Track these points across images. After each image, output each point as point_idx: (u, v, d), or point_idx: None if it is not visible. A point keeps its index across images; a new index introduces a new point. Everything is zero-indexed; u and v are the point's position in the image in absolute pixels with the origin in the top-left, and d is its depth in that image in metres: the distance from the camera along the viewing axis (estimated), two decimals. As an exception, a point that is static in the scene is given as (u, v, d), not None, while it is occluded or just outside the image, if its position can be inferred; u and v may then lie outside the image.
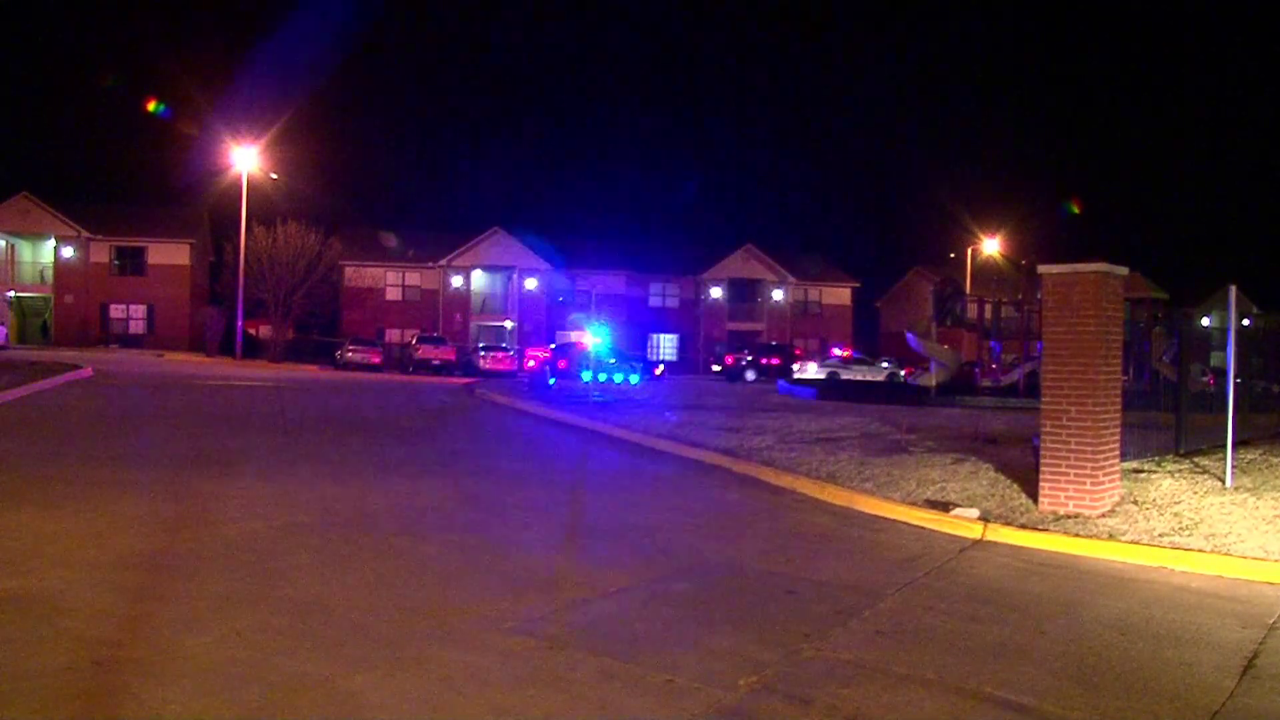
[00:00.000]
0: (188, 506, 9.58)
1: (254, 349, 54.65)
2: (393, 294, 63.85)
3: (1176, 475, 11.93)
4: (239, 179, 51.68)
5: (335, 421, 19.41)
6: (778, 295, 69.88)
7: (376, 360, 50.70)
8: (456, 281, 63.63)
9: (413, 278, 63.98)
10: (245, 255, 52.60)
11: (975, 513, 10.29)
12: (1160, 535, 9.44)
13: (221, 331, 56.08)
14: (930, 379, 32.25)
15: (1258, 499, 10.76)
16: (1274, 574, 8.46)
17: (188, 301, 60.73)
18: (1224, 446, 11.78)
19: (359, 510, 9.91)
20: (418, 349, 51.15)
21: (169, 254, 60.63)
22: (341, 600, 6.69)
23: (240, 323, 52.15)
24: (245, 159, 52.18)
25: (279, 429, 17.20)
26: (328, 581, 7.18)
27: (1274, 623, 7.19)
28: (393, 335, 59.52)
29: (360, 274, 62.82)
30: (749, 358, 49.82)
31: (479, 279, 64.69)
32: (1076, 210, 60.88)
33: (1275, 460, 13.25)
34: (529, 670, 5.52)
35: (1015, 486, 11.41)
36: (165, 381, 28.51)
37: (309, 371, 45.20)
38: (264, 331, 57.31)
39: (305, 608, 6.45)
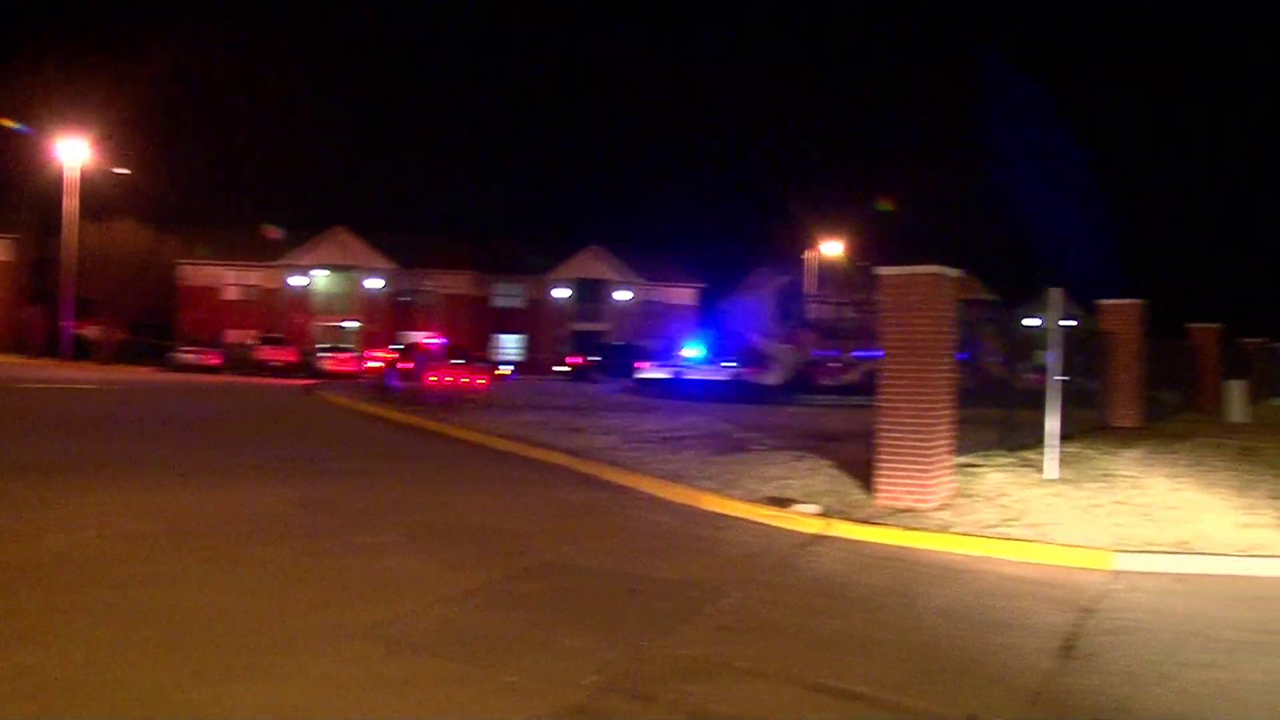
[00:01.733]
0: (9, 518, 9.11)
1: (84, 350, 52.28)
2: (232, 294, 62.07)
3: (1004, 469, 12.45)
4: (67, 173, 49.47)
5: (170, 425, 18.77)
6: (623, 295, 70.28)
7: (215, 362, 49.18)
8: (298, 281, 62.20)
9: (253, 277, 62.32)
10: (74, 252, 50.37)
11: (815, 508, 10.54)
12: (989, 526, 9.85)
13: (47, 331, 53.56)
14: (772, 378, 32.88)
15: (1077, 490, 11.33)
16: (1090, 560, 8.94)
17: (9, 300, 57.87)
18: (1047, 440, 12.35)
19: (196, 517, 9.60)
20: (258, 350, 49.80)
21: (-10, 249, 57.70)
22: (180, 610, 6.48)
23: (68, 322, 49.92)
24: (73, 152, 49.97)
25: (108, 434, 16.54)
26: (165, 591, 6.94)
27: (1089, 606, 7.59)
28: (232, 336, 57.71)
29: (198, 273, 60.87)
30: (595, 358, 49.91)
31: (321, 279, 63.35)
32: (889, 208, 62.91)
33: (1092, 453, 13.96)
34: (374, 675, 5.45)
35: (854, 482, 11.73)
36: (-16, 385, 27.11)
37: (143, 374, 43.52)
38: (94, 332, 54.93)
39: (142, 619, 6.23)
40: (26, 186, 58.48)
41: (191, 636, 5.96)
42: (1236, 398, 22.26)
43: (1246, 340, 32.32)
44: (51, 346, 51.79)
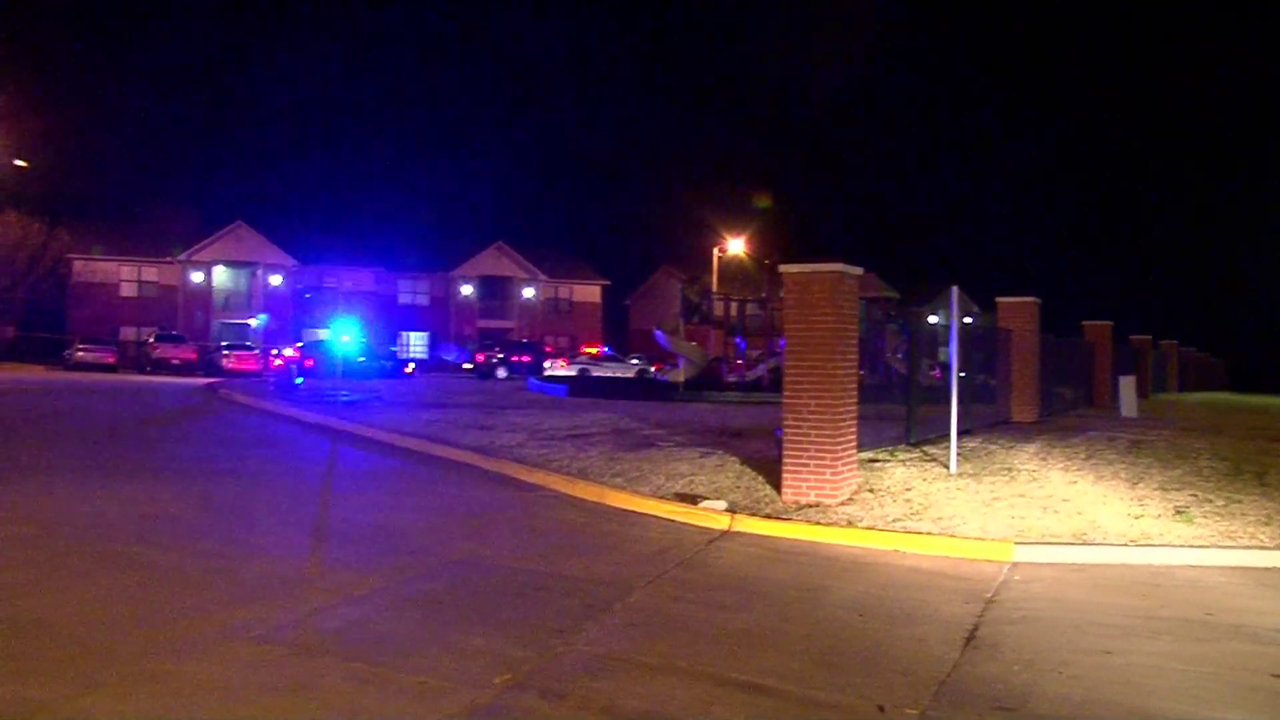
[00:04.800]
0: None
1: (-31, 349, 50.58)
2: (128, 290, 60.32)
3: (908, 463, 12.65)
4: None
5: (63, 425, 18.22)
6: (529, 293, 69.99)
7: (111, 360, 47.79)
8: (197, 277, 60.77)
9: (150, 273, 60.66)
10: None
11: (723, 504, 10.61)
12: (894, 520, 10.00)
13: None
14: (679, 375, 33.06)
15: (978, 483, 11.56)
16: (991, 552, 9.13)
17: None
18: (949, 436, 12.59)
19: (89, 520, 9.32)
20: (156, 348, 48.44)
21: None
22: (68, 616, 6.29)
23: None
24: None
25: (-3, 435, 16.00)
26: (52, 597, 6.73)
27: (991, 597, 7.75)
28: (128, 333, 56.22)
29: (91, 268, 59.01)
30: (500, 355, 49.64)
31: (221, 275, 61.96)
32: (767, 204, 63.71)
33: (993, 448, 14.25)
34: (276, 679, 5.35)
35: (760, 478, 11.82)
36: None
37: (35, 372, 42.21)
38: (-19, 330, 53.13)
39: (25, 627, 6.03)
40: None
41: (77, 644, 5.77)
42: (1127, 393, 22.93)
43: (1135, 337, 33.39)
44: (-66, 345, 49.98)
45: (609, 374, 42.64)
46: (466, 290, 68.49)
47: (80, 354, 47.29)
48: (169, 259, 59.73)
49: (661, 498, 11.12)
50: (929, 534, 9.56)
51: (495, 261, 68.89)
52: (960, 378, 13.06)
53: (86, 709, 4.86)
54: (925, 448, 13.78)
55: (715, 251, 49.41)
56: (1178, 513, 10.32)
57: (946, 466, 12.34)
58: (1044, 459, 13.36)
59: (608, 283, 74.27)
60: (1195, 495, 11.11)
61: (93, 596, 6.81)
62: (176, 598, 6.87)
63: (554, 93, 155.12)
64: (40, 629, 6.02)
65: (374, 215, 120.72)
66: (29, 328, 54.37)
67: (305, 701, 5.07)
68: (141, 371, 46.90)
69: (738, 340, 36.87)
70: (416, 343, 67.37)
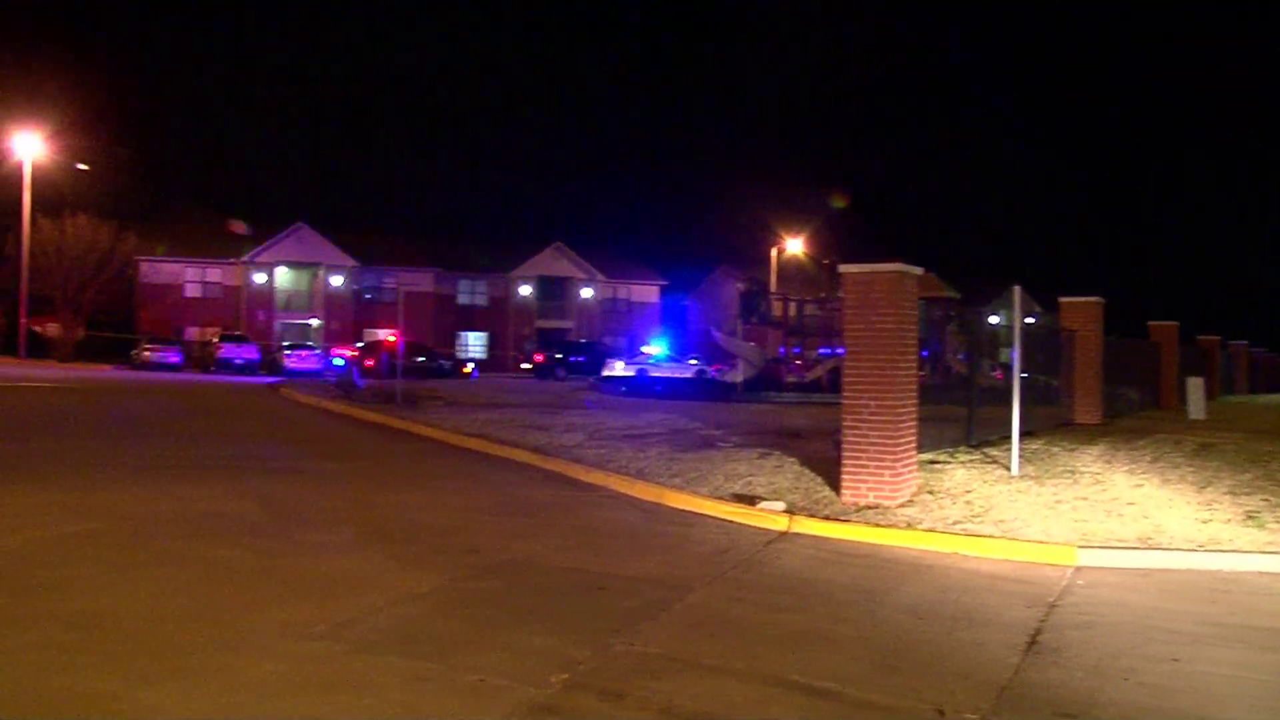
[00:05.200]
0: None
1: (41, 348, 51.47)
2: (193, 290, 61.27)
3: (968, 465, 12.51)
4: (21, 167, 48.80)
5: (128, 423, 18.54)
6: (587, 293, 70.14)
7: (176, 359, 48.54)
8: (260, 278, 61.60)
9: (214, 274, 61.59)
10: (30, 249, 49.69)
11: (781, 505, 10.55)
12: (954, 523, 9.89)
13: (3, 329, 52.73)
14: (737, 375, 32.96)
15: (1040, 486, 11.40)
16: (1054, 556, 8.98)
17: (-36, 298, 56.85)
18: (1011, 437, 12.42)
19: (152, 516, 9.47)
20: (219, 348, 49.14)
21: (-60, 246, 56.57)
22: (131, 611, 6.39)
23: (24, 320, 49.22)
24: (27, 146, 49.33)
25: (65, 433, 16.31)
26: (116, 592, 6.84)
27: (1054, 601, 7.63)
28: (193, 333, 57.02)
29: (157, 270, 60.04)
30: (558, 355, 49.80)
31: (283, 276, 62.78)
32: (842, 204, 63.47)
33: (1055, 450, 14.06)
34: (334, 675, 5.39)
35: (819, 479, 11.75)
36: (-62, 384, 26.68)
37: (103, 371, 42.99)
38: (52, 330, 54.11)
39: (90, 621, 6.13)
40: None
41: (143, 638, 5.85)
42: (1195, 394, 22.51)
43: (1203, 338, 32.77)
44: (10, 344, 51.00)
45: (667, 374, 42.59)
46: (525, 290, 68.80)
47: (146, 353, 48.08)
48: (233, 260, 60.61)
49: (720, 498, 11.08)
50: (990, 537, 9.44)
51: (553, 262, 69.13)
52: (1022, 378, 12.89)
53: (148, 702, 4.92)
54: (986, 449, 13.62)
55: (773, 251, 49.28)
56: (1249, 517, 10.09)
57: (1008, 468, 12.19)
58: (1108, 461, 13.15)
59: (665, 283, 74.27)
60: (1267, 500, 10.87)
61: (154, 591, 6.91)
62: (236, 594, 6.95)
63: (614, 93, 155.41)
64: (103, 623, 6.12)
65: (434, 217, 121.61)
66: (98, 328, 55.42)
67: (363, 699, 5.10)
68: (205, 371, 47.60)
69: (796, 341, 36.67)
70: (475, 343, 67.79)
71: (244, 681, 5.24)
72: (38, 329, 51.85)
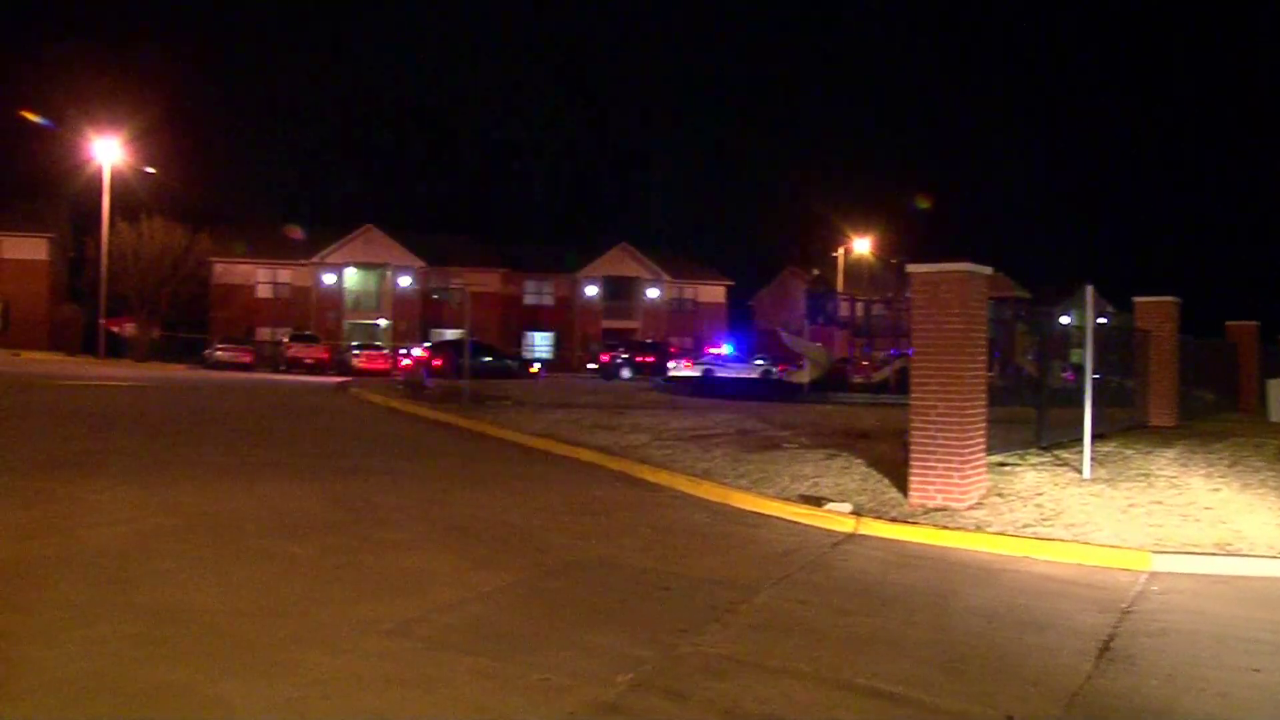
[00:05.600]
0: (42, 512, 9.19)
1: (118, 348, 52.68)
2: (263, 291, 62.37)
3: (1039, 468, 12.33)
4: (101, 172, 50.03)
5: (202, 422, 18.87)
6: (653, 293, 70.23)
7: (247, 359, 49.38)
8: (329, 279, 62.51)
9: (284, 275, 62.61)
10: (108, 251, 50.88)
11: (848, 507, 10.48)
12: (1024, 526, 9.75)
13: (83, 329, 54.00)
14: (803, 376, 32.81)
15: (1113, 489, 11.20)
16: (1127, 561, 8.82)
17: (46, 298, 58.21)
18: (1082, 439, 12.23)
19: (228, 513, 9.63)
20: (290, 347, 49.93)
21: (26, 249, 57.76)
22: (206, 605, 6.50)
23: (103, 320, 50.38)
24: (107, 151, 50.52)
25: (142, 430, 16.63)
26: (192, 586, 6.97)
27: (1127, 607, 7.49)
28: (264, 333, 58.03)
29: (230, 271, 61.21)
30: (624, 355, 49.81)
31: (352, 276, 63.64)
32: (926, 205, 62.86)
33: (1129, 452, 13.80)
34: (403, 672, 5.44)
35: (886, 481, 11.65)
36: (20, 381, 27.32)
37: (176, 371, 43.82)
38: (129, 330, 55.35)
39: (168, 614, 6.25)
40: (60, 187, 59.10)
41: (217, 632, 5.96)
42: (1276, 396, 21.97)
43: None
44: (89, 344, 52.23)
45: (733, 374, 42.48)
46: (591, 290, 69.07)
47: (219, 353, 48.93)
48: (303, 261, 61.52)
49: (786, 499, 11.03)
50: (1061, 540, 9.29)
51: (619, 262, 69.32)
52: (1094, 379, 12.68)
53: (223, 695, 5.01)
54: (1057, 452, 13.41)
55: (841, 251, 48.97)
56: (1330, 523, 9.84)
57: (1079, 471, 11.99)
58: (1184, 465, 12.89)
59: (731, 283, 74.17)
60: (1350, 505, 10.59)
61: (230, 586, 7.03)
62: (310, 590, 7.05)
63: (678, 92, 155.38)
64: (181, 616, 6.23)
65: (501, 217, 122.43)
66: (172, 328, 56.56)
67: (432, 695, 5.15)
68: (276, 370, 48.33)
69: (863, 341, 36.43)
70: (541, 343, 68.16)
71: (314, 677, 5.31)
72: (115, 329, 53.03)
